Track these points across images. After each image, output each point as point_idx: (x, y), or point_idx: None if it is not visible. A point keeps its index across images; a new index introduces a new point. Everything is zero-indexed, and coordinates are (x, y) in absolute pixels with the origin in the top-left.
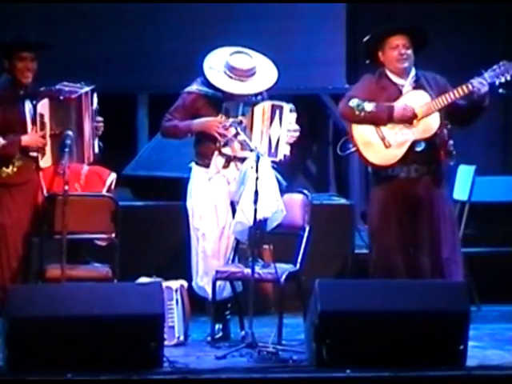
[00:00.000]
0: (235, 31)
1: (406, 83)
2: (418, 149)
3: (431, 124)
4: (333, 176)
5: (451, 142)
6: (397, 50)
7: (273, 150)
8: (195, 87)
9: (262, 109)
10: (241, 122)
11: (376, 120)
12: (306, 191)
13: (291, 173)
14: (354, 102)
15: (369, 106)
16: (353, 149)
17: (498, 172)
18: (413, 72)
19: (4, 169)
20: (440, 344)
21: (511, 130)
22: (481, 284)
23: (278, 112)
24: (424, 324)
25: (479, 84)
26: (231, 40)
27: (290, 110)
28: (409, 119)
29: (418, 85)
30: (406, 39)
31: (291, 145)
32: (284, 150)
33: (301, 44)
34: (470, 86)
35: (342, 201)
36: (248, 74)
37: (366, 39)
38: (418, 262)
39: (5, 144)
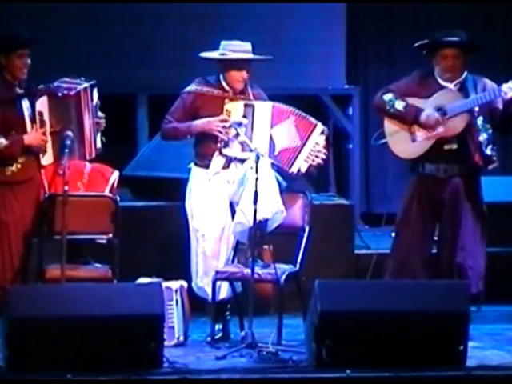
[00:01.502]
0: (235, 31)
1: (451, 85)
2: (446, 147)
3: (457, 123)
4: (333, 176)
5: (490, 146)
6: (446, 60)
7: (291, 162)
8: (194, 87)
9: (263, 109)
10: (240, 123)
11: (402, 120)
12: (306, 191)
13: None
14: (387, 96)
15: (399, 105)
16: (384, 140)
17: (498, 172)
18: (462, 76)
19: (8, 167)
20: (440, 344)
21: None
22: None
23: (308, 128)
24: (424, 324)
25: (508, 88)
26: (231, 40)
27: (322, 132)
28: (431, 127)
29: (462, 87)
30: (456, 50)
31: (311, 165)
32: (300, 165)
33: (301, 44)
34: (501, 90)
35: (342, 201)
36: (241, 48)
37: (417, 45)
38: (437, 264)
39: (7, 144)
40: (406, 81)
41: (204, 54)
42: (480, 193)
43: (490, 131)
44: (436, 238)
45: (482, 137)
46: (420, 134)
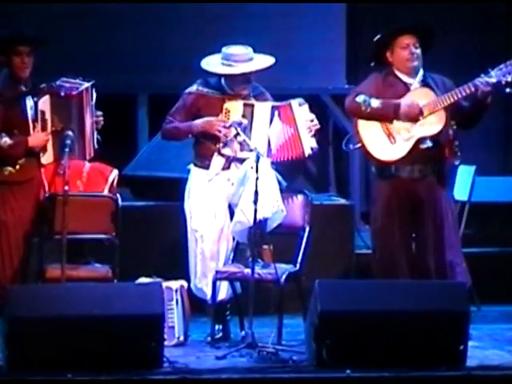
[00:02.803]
0: (235, 31)
1: (415, 82)
2: (423, 146)
3: (437, 122)
4: (333, 176)
5: (457, 142)
6: (407, 49)
7: (273, 150)
8: (195, 87)
9: (263, 110)
10: (240, 123)
11: (382, 116)
12: (306, 191)
13: (291, 173)
14: (360, 98)
15: (375, 103)
16: (358, 145)
17: (498, 172)
18: (421, 72)
19: (7, 167)
20: (440, 344)
21: (511, 130)
22: (481, 284)
23: (287, 111)
24: (424, 324)
25: (485, 82)
26: (231, 40)
27: (299, 104)
28: (414, 117)
29: (425, 84)
30: (415, 38)
31: (314, 136)
32: (310, 143)
33: (301, 44)
34: (476, 84)
35: (342, 201)
36: (245, 58)
37: (376, 39)
38: (421, 262)
39: (11, 144)
40: (369, 83)
41: (206, 67)
42: (450, 188)
43: (455, 127)
44: (414, 236)
45: (449, 132)
46: (398, 136)
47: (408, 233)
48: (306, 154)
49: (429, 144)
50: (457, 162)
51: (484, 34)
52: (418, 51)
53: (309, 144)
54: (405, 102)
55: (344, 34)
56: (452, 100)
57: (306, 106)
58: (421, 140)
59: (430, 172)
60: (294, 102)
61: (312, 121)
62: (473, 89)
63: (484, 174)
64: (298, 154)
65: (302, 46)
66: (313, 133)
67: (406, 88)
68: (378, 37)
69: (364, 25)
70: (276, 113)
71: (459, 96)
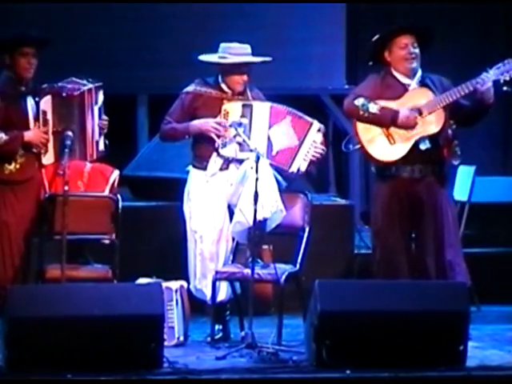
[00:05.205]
0: (235, 31)
1: (413, 82)
2: (423, 147)
3: (436, 121)
4: (333, 176)
5: (456, 142)
6: (405, 49)
7: (290, 162)
8: (193, 87)
9: (262, 110)
10: (241, 123)
11: (379, 122)
12: (305, 191)
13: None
14: (359, 101)
15: (373, 108)
16: (357, 146)
17: (498, 172)
18: (419, 73)
19: (6, 165)
20: (440, 344)
21: (511, 130)
22: (481, 284)
23: (305, 127)
24: (424, 324)
25: (482, 81)
26: (232, 38)
27: (318, 130)
28: (412, 126)
29: (423, 84)
30: (413, 38)
31: (310, 163)
32: (299, 164)
33: (300, 44)
34: (474, 83)
35: (342, 201)
36: (240, 51)
37: (374, 39)
38: (421, 263)
39: (7, 139)
40: (368, 84)
41: (203, 58)
42: (449, 188)
43: (454, 127)
44: (414, 236)
45: (447, 132)
46: (398, 136)
47: (408, 233)
48: (290, 171)
49: (427, 145)
50: (456, 162)
51: (484, 35)
52: (417, 51)
53: (298, 164)
54: (403, 111)
55: (344, 33)
56: (451, 99)
57: (321, 135)
58: (420, 140)
59: (430, 172)
60: (316, 125)
61: (316, 148)
62: (471, 88)
63: (484, 174)
64: (284, 165)
65: (302, 46)
66: (308, 158)
67: (404, 89)
68: (377, 36)
69: (364, 25)
70: (289, 118)
71: (458, 95)
